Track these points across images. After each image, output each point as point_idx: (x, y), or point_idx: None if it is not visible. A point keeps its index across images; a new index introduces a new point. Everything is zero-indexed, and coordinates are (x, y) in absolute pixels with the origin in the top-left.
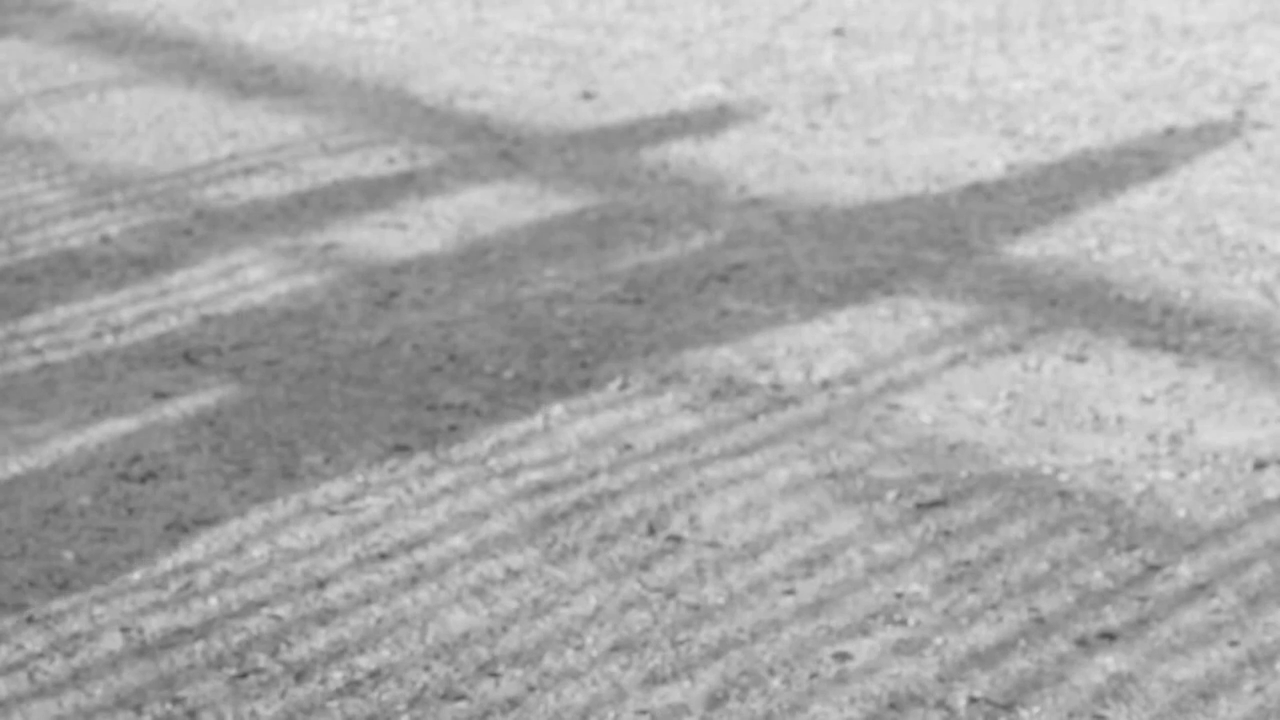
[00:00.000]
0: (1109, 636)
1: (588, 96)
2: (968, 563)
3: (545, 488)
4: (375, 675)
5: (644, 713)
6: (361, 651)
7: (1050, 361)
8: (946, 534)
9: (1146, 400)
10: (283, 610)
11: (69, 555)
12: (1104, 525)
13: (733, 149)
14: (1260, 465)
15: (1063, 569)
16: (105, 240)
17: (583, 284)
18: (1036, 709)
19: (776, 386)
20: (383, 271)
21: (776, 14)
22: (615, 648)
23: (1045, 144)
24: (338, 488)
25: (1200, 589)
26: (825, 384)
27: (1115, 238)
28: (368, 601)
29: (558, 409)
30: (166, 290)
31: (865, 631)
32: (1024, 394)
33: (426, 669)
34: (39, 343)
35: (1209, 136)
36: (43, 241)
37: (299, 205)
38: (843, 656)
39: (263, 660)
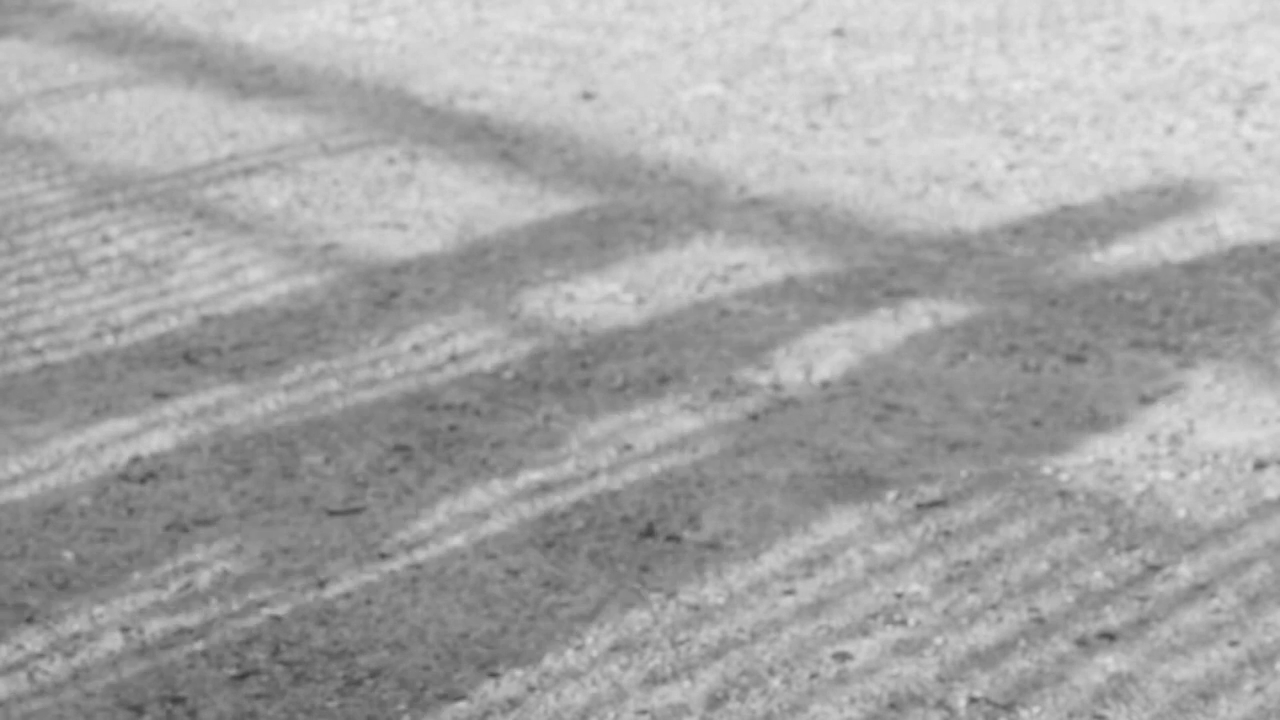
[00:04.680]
0: (1109, 636)
1: (588, 96)
2: (968, 563)
3: (545, 488)
4: (375, 675)
5: (644, 713)
6: (361, 651)
7: (1050, 361)
8: (946, 534)
9: (1146, 400)
10: (283, 610)
11: (69, 555)
12: (1104, 525)
13: (733, 149)
14: (1260, 465)
15: (1063, 569)
16: (105, 240)
17: (583, 284)
18: (1036, 709)
19: (776, 386)
20: (383, 271)
21: (776, 14)
22: (615, 648)
23: (1045, 144)
24: (338, 488)
25: (1200, 589)
26: (825, 384)
27: (1115, 238)
28: (368, 601)
29: (558, 409)
30: (166, 290)
31: (865, 631)
32: (1024, 394)
33: (426, 669)
34: (39, 343)
35: (1209, 136)
36: (43, 241)
37: (299, 205)
38: (843, 656)
39: (263, 660)
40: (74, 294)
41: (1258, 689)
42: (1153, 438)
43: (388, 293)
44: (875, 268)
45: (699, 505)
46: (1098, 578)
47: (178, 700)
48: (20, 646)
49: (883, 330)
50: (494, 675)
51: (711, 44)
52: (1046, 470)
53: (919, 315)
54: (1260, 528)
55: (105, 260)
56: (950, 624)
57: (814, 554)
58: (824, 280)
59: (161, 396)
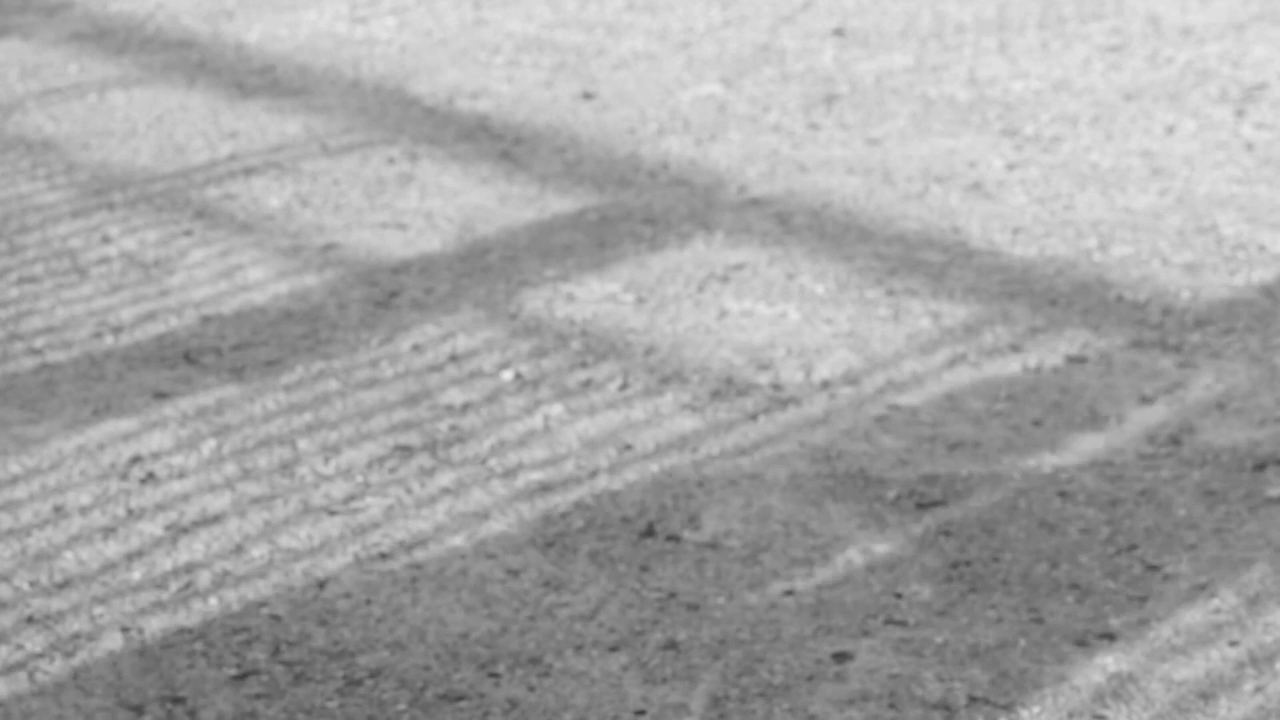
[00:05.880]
0: (1109, 636)
1: (588, 96)
2: (968, 563)
3: (545, 488)
4: (375, 675)
5: (644, 713)
6: (361, 651)
7: (1050, 361)
8: (946, 534)
9: (1146, 400)
10: (283, 610)
11: (69, 555)
12: (1104, 525)
13: (733, 149)
14: (1260, 465)
15: (1063, 569)
16: (105, 240)
17: (583, 284)
18: (1036, 709)
19: (776, 386)
20: (383, 271)
21: (776, 14)
22: (615, 648)
23: (1045, 144)
24: (338, 488)
25: (1200, 589)
26: (825, 384)
27: (1115, 238)
28: (368, 601)
29: (558, 409)
30: (166, 290)
31: (865, 631)
32: (1024, 394)
33: (426, 669)
34: (39, 343)
35: (1209, 136)
36: (43, 241)
37: (299, 205)
38: (843, 656)
39: (263, 660)
40: (74, 294)
41: (1258, 689)
42: (1153, 438)
43: (388, 293)
44: (875, 268)
45: (699, 505)
46: (1098, 578)
47: (178, 700)
48: (20, 646)
49: (883, 330)
50: (494, 675)
51: (711, 44)
52: (1046, 470)
53: (919, 315)
54: (1260, 528)
55: (105, 260)
56: (950, 624)
57: (814, 554)
58: (824, 280)
59: (161, 396)
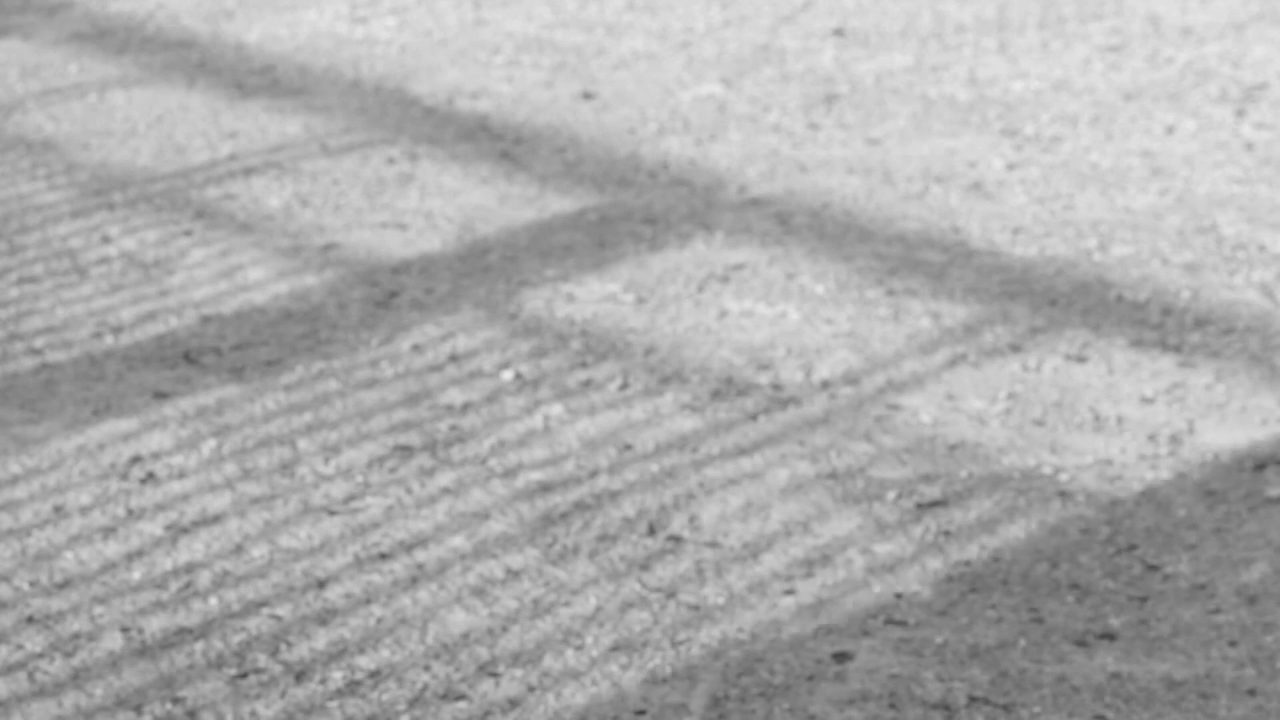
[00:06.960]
0: (1109, 636)
1: (588, 96)
2: (968, 563)
3: (545, 488)
4: (375, 675)
5: (644, 713)
6: (361, 651)
7: (1050, 361)
8: (946, 534)
9: (1146, 400)
10: (283, 610)
11: (69, 555)
12: (1104, 525)
13: (733, 149)
14: (1260, 465)
15: (1063, 569)
16: (105, 240)
17: (583, 284)
18: (1036, 709)
19: (776, 386)
20: (383, 271)
21: (776, 14)
22: (615, 648)
23: (1045, 144)
24: (338, 488)
25: (1200, 589)
26: (825, 384)
27: (1115, 238)
28: (368, 601)
29: (558, 409)
30: (166, 290)
31: (865, 631)
32: (1024, 394)
33: (426, 669)
34: (39, 343)
35: (1209, 136)
36: (43, 241)
37: (299, 205)
38: (843, 656)
39: (263, 660)
40: (74, 294)
41: (1258, 689)
42: (1153, 438)
43: (388, 293)
44: (875, 268)
45: (699, 505)
46: (1098, 578)
47: (178, 700)
48: (20, 646)
49: (883, 330)
50: (494, 675)
51: (711, 44)
52: (1046, 470)
53: (919, 315)
54: (1260, 528)
55: (105, 260)
56: (950, 624)
57: (814, 554)
58: (824, 280)
59: (161, 396)
